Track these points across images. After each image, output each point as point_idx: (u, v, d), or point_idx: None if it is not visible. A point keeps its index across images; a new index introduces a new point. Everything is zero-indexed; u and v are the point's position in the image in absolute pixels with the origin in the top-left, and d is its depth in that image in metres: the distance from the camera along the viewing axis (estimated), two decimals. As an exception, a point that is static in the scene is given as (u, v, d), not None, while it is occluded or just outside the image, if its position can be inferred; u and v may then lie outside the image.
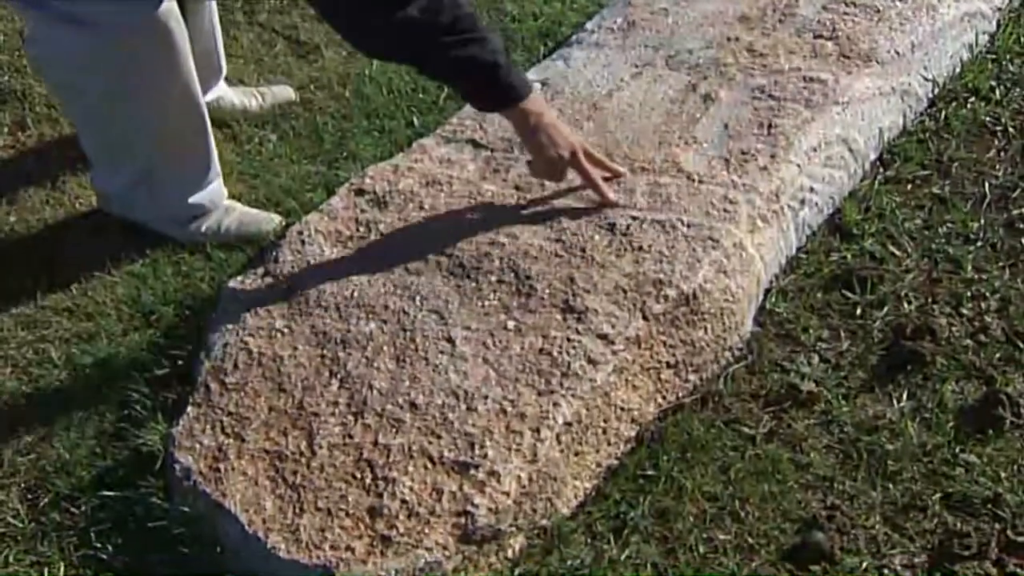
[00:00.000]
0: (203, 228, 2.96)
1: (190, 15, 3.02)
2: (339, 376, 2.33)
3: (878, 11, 3.22)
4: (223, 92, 3.43)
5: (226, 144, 3.27)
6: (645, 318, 2.34)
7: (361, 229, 2.67)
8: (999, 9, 3.44)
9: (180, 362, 2.57)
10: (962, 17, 3.29)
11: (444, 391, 2.25)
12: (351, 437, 2.19)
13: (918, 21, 3.20)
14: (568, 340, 2.31)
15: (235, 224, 2.97)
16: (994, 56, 3.36)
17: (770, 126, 2.82)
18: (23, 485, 2.37)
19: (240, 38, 3.77)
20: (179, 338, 2.64)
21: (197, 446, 2.24)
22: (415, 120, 3.29)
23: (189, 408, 2.34)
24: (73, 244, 2.98)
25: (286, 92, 3.53)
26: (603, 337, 2.31)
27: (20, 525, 2.28)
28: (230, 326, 2.50)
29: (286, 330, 2.46)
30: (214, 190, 2.99)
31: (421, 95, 3.41)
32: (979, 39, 3.35)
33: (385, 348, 2.36)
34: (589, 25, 3.37)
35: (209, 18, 3.26)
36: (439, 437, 2.16)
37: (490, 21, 3.74)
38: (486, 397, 2.22)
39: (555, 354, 2.29)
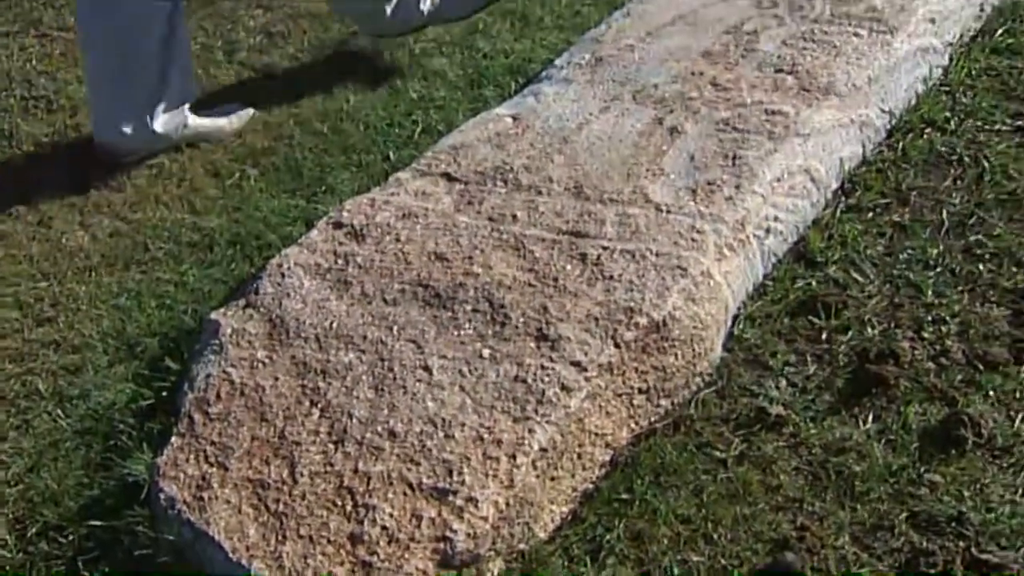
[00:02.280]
0: None
1: None
2: (319, 405, 2.28)
3: (835, 47, 3.21)
4: None
5: (208, 179, 3.25)
6: (617, 345, 2.31)
7: (339, 261, 2.63)
8: (950, 44, 3.43)
9: (165, 393, 2.52)
10: (915, 52, 3.28)
11: (422, 419, 2.21)
12: (332, 465, 2.15)
13: (874, 56, 3.19)
14: (542, 368, 2.28)
15: None
16: (947, 89, 3.35)
17: (735, 157, 2.80)
18: (11, 515, 2.32)
19: (220, 77, 3.74)
20: (163, 370, 2.60)
21: (181, 475, 2.20)
22: (391, 154, 3.27)
23: (173, 438, 2.29)
24: (59, 278, 2.93)
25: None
26: (576, 364, 2.28)
27: (8, 555, 2.23)
28: (213, 357, 2.46)
29: (267, 361, 2.41)
30: None
31: (397, 130, 3.38)
32: (933, 72, 3.34)
33: (364, 377, 2.33)
34: (558, 61, 3.35)
35: None
36: (418, 464, 2.12)
37: (463, 58, 3.72)
38: (463, 424, 2.18)
39: (530, 381, 2.25)
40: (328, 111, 3.51)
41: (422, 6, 3.79)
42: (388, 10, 3.75)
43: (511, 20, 3.94)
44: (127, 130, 3.31)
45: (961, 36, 3.48)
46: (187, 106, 3.42)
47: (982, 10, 3.58)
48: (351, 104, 3.53)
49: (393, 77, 3.65)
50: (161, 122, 3.35)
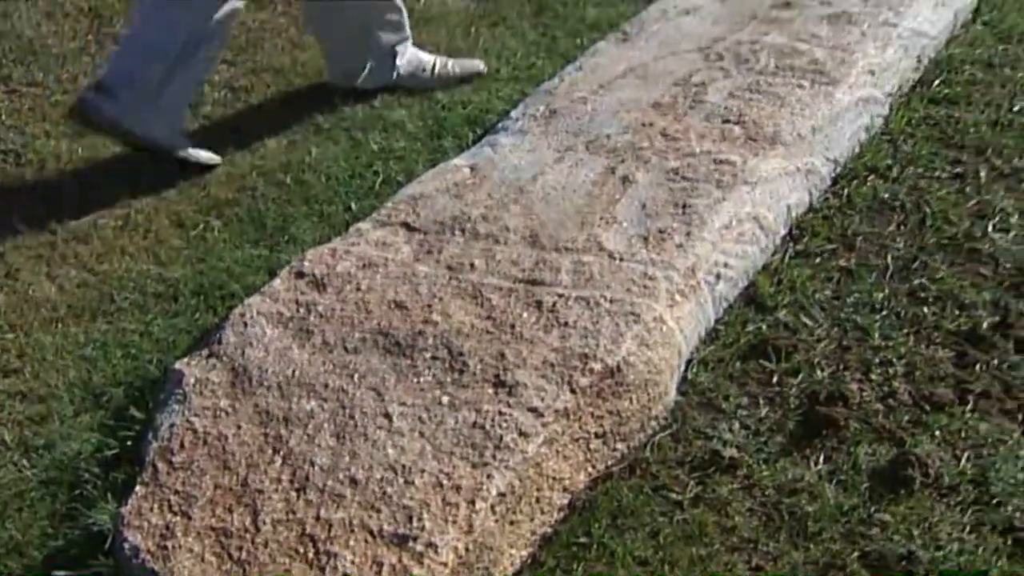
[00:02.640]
0: None
1: None
2: (282, 453, 2.22)
3: (780, 97, 3.18)
4: None
5: (173, 230, 3.19)
6: (573, 391, 2.26)
7: (301, 310, 2.57)
8: (890, 95, 3.41)
9: (129, 443, 2.45)
10: (857, 102, 3.26)
11: (383, 466, 2.15)
12: (294, 512, 2.09)
13: (817, 106, 3.17)
14: (500, 414, 2.23)
15: None
16: (889, 137, 3.33)
17: (685, 206, 2.77)
18: (-25, 567, 2.24)
19: (187, 130, 3.67)
20: (128, 419, 2.53)
21: (146, 525, 2.13)
22: (352, 205, 3.21)
23: (138, 487, 2.22)
24: (26, 329, 2.86)
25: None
26: (533, 410, 2.23)
27: (-27, 606, 2.16)
28: (176, 407, 2.40)
29: (230, 409, 2.35)
30: None
31: (358, 181, 3.33)
32: (874, 122, 3.32)
33: (325, 425, 2.27)
34: (514, 113, 3.31)
35: None
36: (378, 511, 2.06)
37: (422, 109, 3.68)
38: (423, 471, 2.13)
39: (488, 427, 2.20)
40: (291, 162, 3.45)
41: (396, 70, 3.80)
42: (367, 68, 3.78)
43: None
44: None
45: (900, 87, 3.47)
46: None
47: (919, 62, 3.58)
48: (313, 156, 3.47)
49: (354, 129, 3.59)
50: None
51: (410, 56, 3.83)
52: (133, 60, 3.37)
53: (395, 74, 3.81)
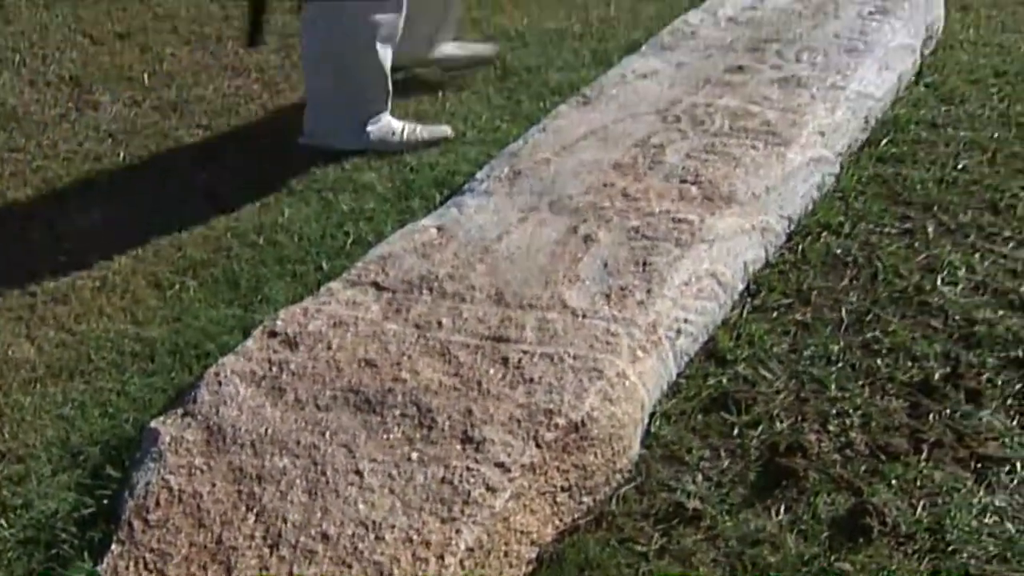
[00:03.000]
0: None
1: None
2: (255, 510, 2.15)
3: (735, 158, 3.16)
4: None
5: (149, 290, 3.13)
6: (539, 446, 2.21)
7: (274, 369, 2.51)
8: (840, 154, 3.41)
9: (106, 501, 2.37)
10: (809, 162, 3.24)
11: (354, 522, 2.09)
12: (267, 569, 2.02)
13: (771, 166, 3.14)
14: (468, 469, 2.17)
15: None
16: (840, 195, 3.33)
17: (645, 263, 2.73)
18: (-48, 628, 2.17)
19: (161, 193, 3.62)
20: (105, 478, 2.45)
21: (120, 583, 2.06)
22: (324, 264, 3.16)
23: (114, 546, 2.14)
24: (5, 389, 2.79)
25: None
26: (500, 465, 2.18)
27: (-52, 668, 2.08)
28: (152, 465, 2.32)
29: (205, 467, 2.28)
30: None
31: (329, 241, 3.28)
32: (826, 180, 3.31)
33: (298, 482, 2.20)
34: (480, 175, 3.27)
35: None
36: (350, 567, 2.00)
37: (391, 171, 3.65)
38: (393, 526, 2.07)
39: (456, 483, 2.15)
40: (264, 224, 3.40)
41: (368, 135, 3.83)
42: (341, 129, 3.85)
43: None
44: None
45: (849, 147, 3.46)
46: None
47: (867, 123, 3.57)
48: (286, 217, 3.43)
49: (326, 191, 3.54)
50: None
51: (382, 122, 3.81)
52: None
53: (367, 138, 3.79)
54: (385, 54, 3.77)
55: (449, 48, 4.39)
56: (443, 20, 4.32)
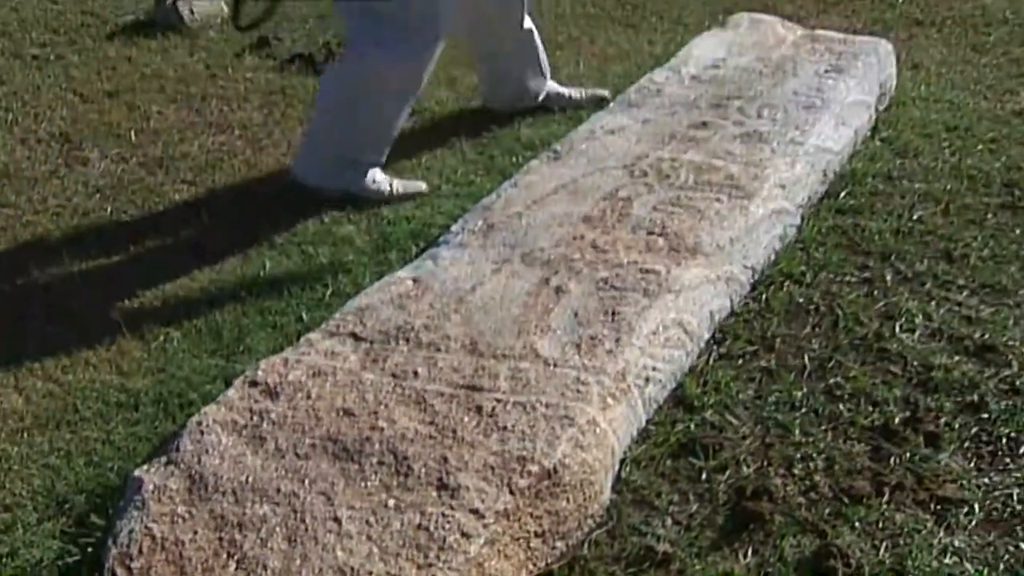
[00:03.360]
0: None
1: None
2: (236, 557, 2.11)
3: (700, 211, 3.13)
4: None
5: (134, 341, 3.07)
6: (512, 492, 2.17)
7: (255, 418, 2.46)
8: (800, 206, 3.39)
9: (90, 549, 2.32)
10: (771, 214, 3.22)
11: (333, 568, 2.04)
12: (247, 616, 1.97)
13: (734, 219, 3.12)
14: (443, 516, 2.13)
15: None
16: (802, 246, 3.31)
17: (614, 313, 2.70)
18: (-64, 676, 2.10)
19: (148, 249, 3.57)
20: (90, 526, 2.40)
21: (103, 632, 2.00)
22: (304, 315, 3.11)
23: (96, 594, 2.10)
24: (-8, 440, 2.75)
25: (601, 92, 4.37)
26: (475, 512, 2.14)
27: None
28: (135, 513, 2.27)
29: (187, 515, 2.23)
30: None
31: (309, 293, 3.24)
32: (787, 232, 3.29)
33: (278, 529, 2.16)
34: (454, 228, 3.23)
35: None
36: (328, 613, 1.95)
37: (369, 224, 3.61)
38: (371, 572, 2.02)
39: (432, 529, 2.11)
40: (246, 276, 3.36)
41: (354, 182, 3.84)
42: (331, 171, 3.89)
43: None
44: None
45: (809, 199, 3.45)
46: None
47: (825, 176, 3.56)
48: (268, 269, 3.38)
49: (306, 244, 3.51)
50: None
51: (371, 174, 3.82)
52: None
53: (355, 186, 3.79)
54: (398, 109, 3.81)
55: (559, 88, 4.46)
56: (530, 60, 4.34)
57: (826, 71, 4.01)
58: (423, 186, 3.84)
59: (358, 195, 3.79)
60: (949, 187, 3.64)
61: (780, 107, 3.74)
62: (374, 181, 3.82)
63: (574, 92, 4.45)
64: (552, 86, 4.44)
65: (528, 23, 4.27)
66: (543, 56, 4.39)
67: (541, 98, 4.42)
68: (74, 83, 4.77)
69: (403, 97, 3.78)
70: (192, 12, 5.35)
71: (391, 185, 3.82)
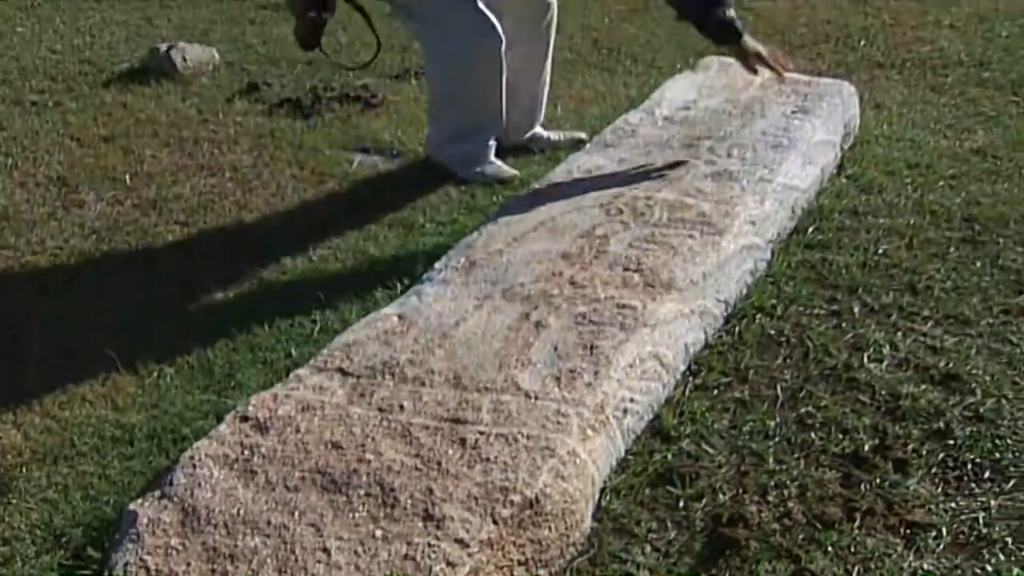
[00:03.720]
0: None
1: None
2: (227, 588, 2.07)
3: (673, 247, 3.11)
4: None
5: (129, 378, 3.04)
6: (495, 522, 2.15)
7: (246, 452, 2.43)
8: (770, 242, 3.37)
9: (87, 582, 2.30)
10: (742, 249, 3.20)
11: (321, 599, 2.01)
12: (238, 647, 1.94)
13: (707, 254, 3.10)
14: (429, 545, 2.10)
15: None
16: (772, 280, 3.30)
17: (592, 347, 2.68)
18: None
19: (141, 286, 3.55)
20: (86, 558, 2.36)
21: (97, 663, 1.96)
22: (293, 352, 3.09)
23: (92, 626, 2.06)
24: (-10, 476, 2.72)
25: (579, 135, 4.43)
26: (460, 541, 2.11)
27: None
28: (130, 546, 2.23)
29: (180, 547, 2.20)
30: None
31: (298, 329, 3.22)
32: (758, 266, 3.27)
33: (269, 560, 2.12)
34: (437, 265, 3.20)
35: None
36: (317, 643, 1.91)
37: (355, 263, 3.59)
38: (359, 602, 1.99)
39: (418, 559, 2.08)
40: (236, 314, 3.33)
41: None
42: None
43: (398, 228, 3.83)
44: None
45: (779, 234, 3.43)
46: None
47: (794, 212, 3.55)
48: (257, 307, 3.35)
49: (294, 281, 3.49)
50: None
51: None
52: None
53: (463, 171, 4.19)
54: (485, 90, 4.11)
55: (544, 132, 4.52)
56: (535, 107, 4.45)
57: (793, 112, 4.00)
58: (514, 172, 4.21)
59: (471, 178, 4.16)
60: (912, 222, 3.64)
61: (749, 147, 3.73)
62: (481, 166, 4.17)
63: (553, 135, 4.46)
64: (537, 129, 4.45)
65: (548, 67, 4.39)
66: (544, 101, 4.47)
67: (526, 137, 4.44)
68: (71, 128, 4.75)
69: (485, 80, 4.06)
70: (185, 60, 5.33)
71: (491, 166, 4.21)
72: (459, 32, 3.97)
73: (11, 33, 6.02)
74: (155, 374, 3.07)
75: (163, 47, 5.39)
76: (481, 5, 3.97)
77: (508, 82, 4.17)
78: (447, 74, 4.11)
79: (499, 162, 4.20)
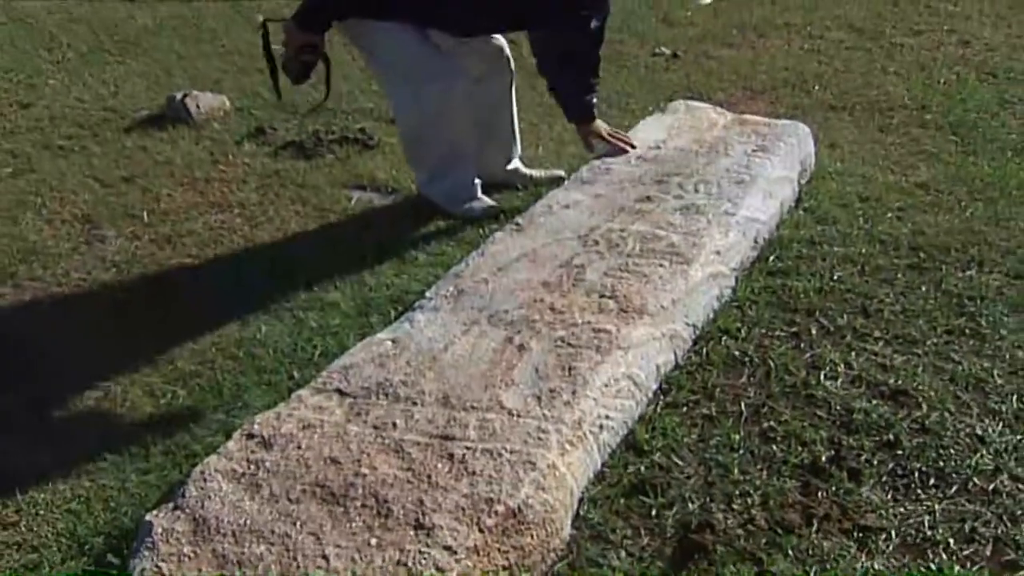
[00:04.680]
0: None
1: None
2: (235, 593, 2.05)
3: (645, 275, 3.09)
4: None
5: (145, 399, 3.03)
6: (481, 531, 2.13)
7: (252, 467, 2.40)
8: (735, 270, 3.35)
9: (108, 586, 2.27)
10: (708, 277, 3.18)
11: (320, 603, 1.98)
12: (244, 648, 1.91)
13: (676, 282, 3.07)
14: (420, 552, 2.09)
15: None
16: (737, 304, 3.27)
17: (570, 368, 2.65)
18: None
19: (156, 314, 3.52)
20: (107, 565, 2.35)
21: (113, 665, 1.93)
22: (295, 374, 3.06)
23: (110, 628, 2.03)
24: (22, 487, 2.68)
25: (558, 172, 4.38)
26: (448, 548, 2.09)
27: None
28: (147, 553, 2.21)
29: (192, 555, 2.17)
30: None
31: (300, 354, 3.19)
32: (724, 292, 3.25)
33: (273, 567, 2.10)
34: (428, 293, 3.17)
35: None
36: (317, 645, 1.89)
37: (353, 291, 3.56)
38: (355, 606, 1.96)
39: (410, 564, 2.06)
40: (244, 339, 3.30)
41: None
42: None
43: (392, 259, 3.79)
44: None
45: (742, 263, 3.41)
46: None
47: (756, 243, 3.52)
48: (263, 333, 3.33)
49: (297, 309, 3.46)
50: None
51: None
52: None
53: (452, 206, 4.17)
54: (450, 131, 4.03)
55: (525, 169, 4.49)
56: (510, 141, 4.42)
57: (754, 150, 3.99)
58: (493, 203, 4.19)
59: (460, 213, 4.13)
60: (864, 250, 3.62)
61: (714, 182, 3.71)
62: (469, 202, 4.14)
63: (535, 172, 4.43)
64: (518, 165, 4.44)
65: (513, 102, 4.35)
66: (517, 136, 4.43)
67: (507, 170, 4.42)
68: (95, 170, 4.72)
69: (446, 121, 3.99)
70: (199, 107, 5.31)
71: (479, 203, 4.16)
72: (420, 75, 3.91)
73: (44, 85, 6.00)
74: (169, 395, 3.05)
75: (179, 95, 5.38)
76: (436, 47, 3.96)
77: (481, 119, 4.17)
78: (412, 117, 4.03)
79: (485, 197, 4.16)
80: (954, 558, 2.28)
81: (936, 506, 2.42)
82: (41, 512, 2.60)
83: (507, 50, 4.22)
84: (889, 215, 3.93)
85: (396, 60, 3.95)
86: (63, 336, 3.42)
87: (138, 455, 2.79)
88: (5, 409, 3.04)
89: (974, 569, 2.26)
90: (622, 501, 2.46)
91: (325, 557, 2.11)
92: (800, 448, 2.62)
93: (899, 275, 3.47)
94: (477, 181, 4.17)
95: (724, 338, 3.10)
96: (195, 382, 3.10)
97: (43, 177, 4.66)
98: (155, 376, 3.14)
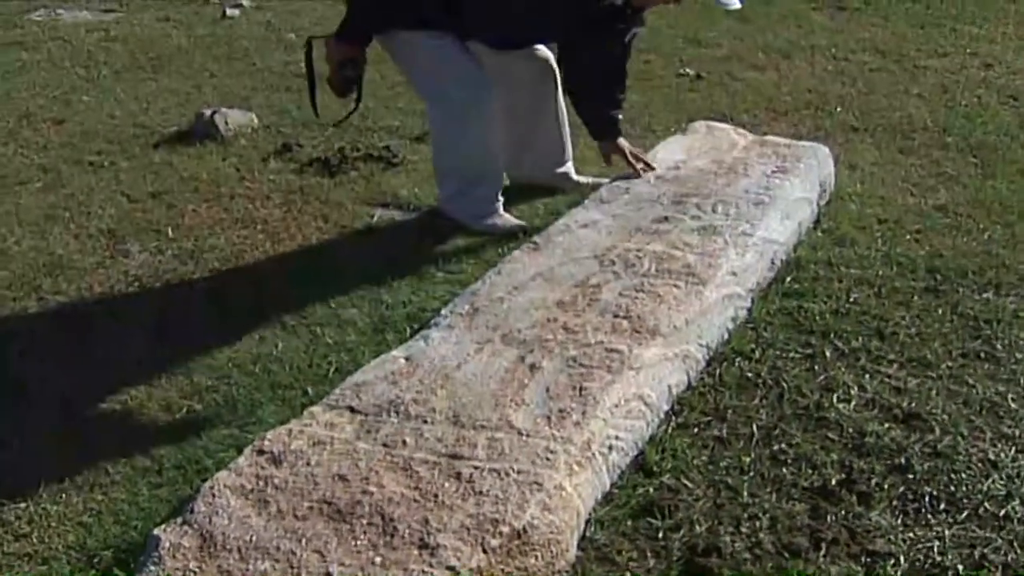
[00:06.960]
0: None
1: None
2: (238, 609, 2.02)
3: (660, 295, 3.06)
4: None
5: (161, 413, 3.01)
6: (485, 551, 2.10)
7: (260, 483, 2.38)
8: (751, 291, 3.31)
9: (114, 601, 2.25)
10: (723, 298, 3.15)
11: (323, 621, 1.95)
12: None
13: (691, 302, 3.05)
14: (424, 572, 2.06)
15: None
16: (752, 325, 3.24)
17: (581, 389, 2.62)
18: None
19: (176, 329, 3.51)
20: (115, 578, 2.34)
21: None
22: (309, 390, 3.04)
23: (114, 644, 2.01)
24: (35, 500, 2.67)
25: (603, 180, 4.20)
26: (451, 569, 2.06)
27: None
28: (153, 568, 2.19)
29: (198, 570, 2.15)
30: None
31: (314, 370, 3.17)
32: (739, 313, 3.21)
33: (276, 583, 2.07)
34: (444, 311, 3.15)
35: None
36: (317, 664, 1.85)
37: (370, 308, 3.53)
38: (357, 625, 1.93)
39: (414, 585, 2.02)
40: (260, 355, 3.28)
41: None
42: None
43: (411, 276, 3.76)
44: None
45: (758, 284, 3.37)
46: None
47: (773, 264, 3.49)
48: (279, 349, 3.31)
49: (313, 326, 3.44)
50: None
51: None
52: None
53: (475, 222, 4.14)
54: (476, 144, 4.00)
55: (575, 175, 4.48)
56: (555, 148, 4.42)
57: (773, 171, 3.95)
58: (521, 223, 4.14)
59: (481, 230, 4.10)
60: (881, 273, 3.58)
61: (733, 203, 3.67)
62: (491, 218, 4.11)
63: (582, 179, 4.44)
64: (569, 170, 4.47)
65: (560, 109, 4.35)
66: (567, 140, 4.43)
67: (555, 174, 4.43)
68: (123, 186, 4.72)
69: (478, 132, 3.98)
70: (227, 123, 5.30)
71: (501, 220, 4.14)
72: (451, 85, 3.91)
73: (78, 101, 6.02)
74: (184, 410, 3.03)
75: (208, 112, 5.38)
76: (476, 59, 3.96)
77: (520, 127, 4.18)
78: (445, 125, 4.03)
79: (507, 215, 4.13)
80: (963, 584, 2.24)
81: (946, 531, 2.38)
82: (52, 524, 2.58)
83: (552, 59, 4.23)
84: (907, 237, 3.88)
85: (432, 71, 3.96)
86: (86, 349, 3.41)
87: (151, 469, 2.77)
88: (22, 419, 3.04)
89: (983, 596, 2.21)
90: (629, 523, 2.42)
91: (329, 574, 2.09)
92: (810, 471, 2.58)
93: (915, 297, 3.42)
94: (500, 198, 4.14)
95: (738, 359, 3.06)
96: (211, 397, 3.08)
97: (72, 192, 4.66)
98: (172, 390, 3.13)
